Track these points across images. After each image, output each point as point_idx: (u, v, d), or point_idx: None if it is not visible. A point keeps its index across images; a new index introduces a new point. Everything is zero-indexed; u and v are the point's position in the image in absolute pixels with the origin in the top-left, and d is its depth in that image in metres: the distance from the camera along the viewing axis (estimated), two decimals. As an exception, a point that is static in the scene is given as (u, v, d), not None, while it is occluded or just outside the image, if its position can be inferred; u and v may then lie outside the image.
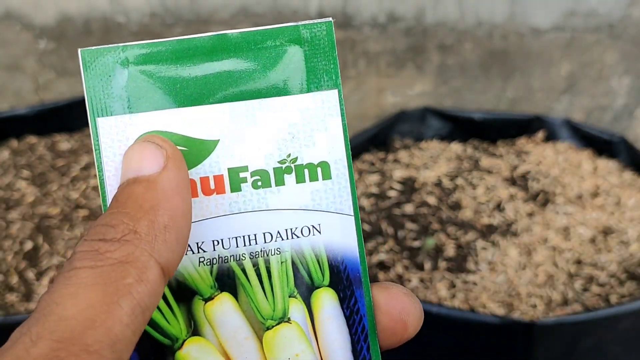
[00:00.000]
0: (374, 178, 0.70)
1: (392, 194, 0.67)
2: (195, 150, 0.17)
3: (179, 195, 0.15)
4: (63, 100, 0.76)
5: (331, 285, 0.18)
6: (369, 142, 0.77)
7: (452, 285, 0.56)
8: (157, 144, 0.16)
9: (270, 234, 0.17)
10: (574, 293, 0.55)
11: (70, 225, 0.59)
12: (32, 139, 0.73)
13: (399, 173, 0.70)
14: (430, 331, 0.52)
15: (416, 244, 0.60)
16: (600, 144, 0.76)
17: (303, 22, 0.18)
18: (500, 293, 0.55)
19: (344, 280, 0.18)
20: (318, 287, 0.18)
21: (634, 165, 0.73)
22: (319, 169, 0.18)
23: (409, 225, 0.63)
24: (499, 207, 0.66)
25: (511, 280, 0.56)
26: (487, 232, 0.62)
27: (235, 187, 0.17)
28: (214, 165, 0.17)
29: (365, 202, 0.66)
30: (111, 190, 0.17)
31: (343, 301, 0.18)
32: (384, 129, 0.78)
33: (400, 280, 0.56)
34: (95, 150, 0.17)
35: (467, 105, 0.91)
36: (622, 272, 0.57)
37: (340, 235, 0.18)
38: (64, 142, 0.72)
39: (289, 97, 0.18)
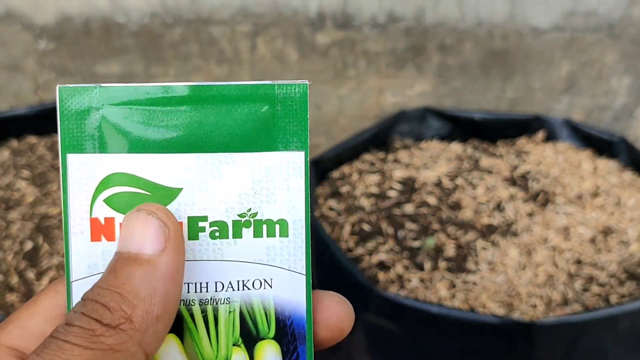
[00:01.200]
0: (374, 178, 0.70)
1: (392, 194, 0.67)
2: (158, 196, 0.18)
3: (175, 281, 0.16)
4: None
5: (276, 338, 0.18)
6: (369, 142, 0.77)
7: (452, 285, 0.56)
8: (161, 221, 0.16)
9: (222, 283, 0.18)
10: (574, 293, 0.55)
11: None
12: (32, 139, 0.73)
13: (399, 173, 0.71)
14: (430, 331, 0.52)
15: (416, 244, 0.60)
16: (600, 144, 0.76)
17: (278, 82, 0.18)
18: (500, 293, 0.55)
19: (289, 335, 0.18)
20: (263, 339, 0.18)
21: (634, 165, 0.73)
22: (277, 226, 0.18)
23: (409, 225, 0.63)
24: (499, 207, 0.66)
25: (511, 280, 0.56)
26: (487, 232, 0.62)
27: (193, 236, 0.18)
28: (175, 212, 0.17)
29: (365, 202, 0.66)
30: (74, 225, 0.17)
31: (285, 354, 0.18)
32: (384, 129, 0.78)
33: (400, 280, 0.56)
34: (63, 184, 0.17)
35: (467, 105, 0.91)
36: (622, 272, 0.57)
37: (290, 292, 0.18)
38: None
39: (256, 153, 0.18)
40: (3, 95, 0.85)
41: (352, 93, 0.89)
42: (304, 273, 0.18)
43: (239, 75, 0.86)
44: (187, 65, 0.85)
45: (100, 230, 0.17)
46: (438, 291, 0.55)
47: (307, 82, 0.18)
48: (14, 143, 0.72)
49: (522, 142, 0.79)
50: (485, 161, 0.74)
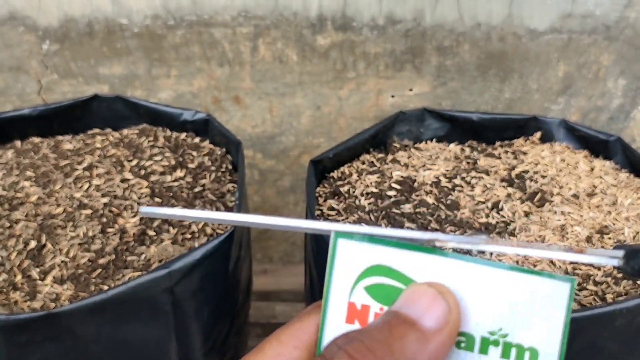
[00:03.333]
0: (373, 178, 0.71)
1: (391, 193, 0.68)
2: None
3: None
4: (66, 101, 0.76)
5: None
6: (368, 142, 0.77)
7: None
8: (449, 304, 0.17)
9: None
10: (571, 291, 0.56)
11: (73, 224, 0.60)
12: (35, 140, 0.74)
13: (397, 173, 0.71)
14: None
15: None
16: (597, 145, 0.77)
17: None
18: (497, 291, 0.56)
19: None
20: None
21: (630, 166, 0.74)
22: (527, 353, 0.18)
23: (408, 224, 0.63)
24: (496, 207, 0.66)
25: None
26: (485, 231, 0.63)
27: None
28: None
29: (365, 202, 0.67)
30: (333, 304, 0.18)
31: None
32: (383, 130, 0.78)
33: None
34: (329, 264, 0.18)
35: (465, 106, 0.91)
36: (618, 270, 0.58)
37: None
38: (67, 143, 0.73)
39: (520, 274, 0.18)
40: (7, 96, 0.86)
41: (351, 94, 0.90)
42: None
43: (240, 77, 0.87)
44: (189, 67, 0.86)
45: (355, 314, 0.18)
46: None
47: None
48: (18, 143, 0.73)
49: (520, 142, 0.80)
50: (483, 161, 0.75)
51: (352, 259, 0.18)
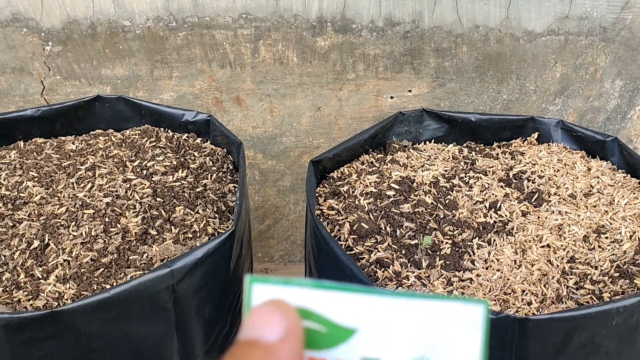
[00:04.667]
0: (373, 178, 0.71)
1: (390, 193, 0.68)
2: (333, 333, 0.18)
3: None
4: (69, 101, 0.77)
5: None
6: (368, 142, 0.78)
7: (449, 283, 0.57)
8: (283, 312, 0.17)
9: None
10: (568, 290, 0.57)
11: (76, 224, 0.61)
12: (38, 140, 0.74)
13: (396, 173, 0.72)
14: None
15: (414, 242, 0.62)
16: (594, 145, 0.77)
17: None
18: (495, 290, 0.56)
19: None
20: None
21: (627, 166, 0.74)
22: None
23: (407, 224, 0.64)
24: (494, 207, 0.67)
25: (506, 278, 0.57)
26: (483, 230, 0.64)
27: None
28: (348, 352, 0.18)
29: (364, 202, 0.67)
30: None
31: None
32: (382, 130, 0.79)
33: (398, 277, 0.58)
34: (246, 312, 0.18)
35: (463, 107, 0.92)
36: (614, 270, 0.59)
37: None
38: (70, 143, 0.73)
39: (434, 301, 0.18)
40: (10, 97, 0.87)
41: (351, 95, 0.90)
42: None
43: (241, 78, 0.88)
44: (190, 68, 0.86)
45: None
46: (435, 288, 0.56)
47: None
48: (21, 144, 0.73)
49: (517, 143, 0.80)
50: (481, 161, 0.75)
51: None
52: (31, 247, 0.58)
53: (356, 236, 0.62)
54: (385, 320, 0.18)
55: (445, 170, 0.72)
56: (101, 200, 0.63)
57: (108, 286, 0.54)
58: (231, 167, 0.73)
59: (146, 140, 0.74)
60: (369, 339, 0.18)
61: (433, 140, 0.81)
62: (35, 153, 0.71)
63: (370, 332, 0.18)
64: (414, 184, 0.70)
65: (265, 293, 0.18)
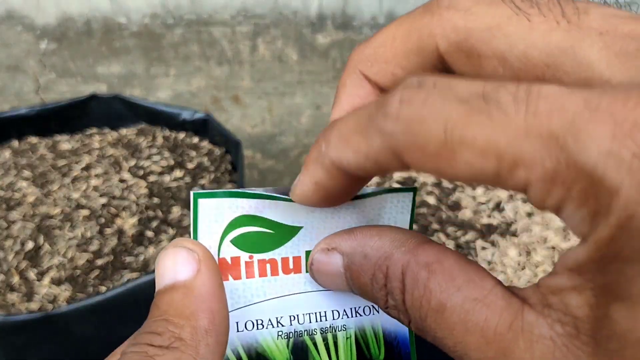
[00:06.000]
0: (375, 179, 0.70)
1: (392, 193, 0.68)
2: (280, 234, 0.19)
3: (215, 298, 0.17)
4: (64, 100, 0.76)
5: (386, 359, 0.20)
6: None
7: (452, 285, 0.56)
8: (188, 248, 0.17)
9: (338, 311, 0.19)
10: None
11: (71, 225, 0.60)
12: (33, 139, 0.74)
13: (399, 173, 0.71)
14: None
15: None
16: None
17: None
18: (499, 292, 0.56)
19: (396, 356, 0.20)
20: None
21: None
22: None
23: (409, 225, 0.63)
24: (498, 207, 0.66)
25: (510, 280, 0.57)
26: (487, 232, 0.63)
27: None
28: (294, 248, 0.19)
29: (365, 202, 0.67)
30: None
31: None
32: (383, 130, 0.78)
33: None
34: (193, 227, 0.18)
35: (466, 106, 0.91)
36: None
37: None
38: (65, 143, 0.73)
39: (372, 198, 0.19)
40: (4, 95, 0.86)
41: (351, 94, 0.89)
42: None
43: (240, 76, 0.87)
44: (187, 66, 0.85)
45: (227, 269, 0.18)
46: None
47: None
48: (15, 143, 0.73)
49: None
50: (485, 161, 0.74)
51: (214, 216, 0.18)
52: (25, 249, 0.57)
53: (357, 237, 0.62)
54: (327, 217, 0.19)
55: (448, 170, 0.72)
56: (96, 201, 0.62)
57: (104, 288, 0.53)
58: (229, 167, 0.72)
59: (142, 140, 0.73)
60: (312, 234, 0.19)
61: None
62: (29, 152, 0.70)
63: (313, 228, 0.19)
64: (416, 184, 0.69)
65: (211, 207, 0.18)
